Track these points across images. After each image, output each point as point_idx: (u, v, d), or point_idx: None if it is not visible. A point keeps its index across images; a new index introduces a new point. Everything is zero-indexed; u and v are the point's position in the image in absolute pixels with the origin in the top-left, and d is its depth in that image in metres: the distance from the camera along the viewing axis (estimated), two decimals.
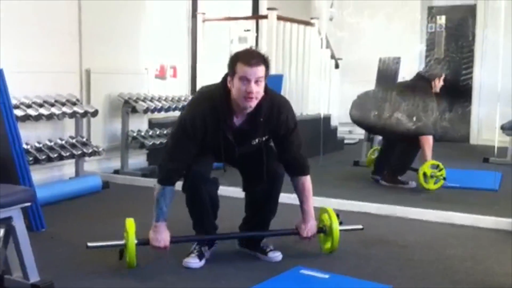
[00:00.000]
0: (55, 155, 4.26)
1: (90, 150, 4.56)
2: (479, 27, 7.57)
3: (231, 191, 3.65)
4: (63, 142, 4.45)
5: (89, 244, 2.70)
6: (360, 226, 3.12)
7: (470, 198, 4.45)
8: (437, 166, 4.56)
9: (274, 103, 2.68)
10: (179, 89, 6.26)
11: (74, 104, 4.61)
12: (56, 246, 3.14)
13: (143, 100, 5.15)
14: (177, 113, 5.10)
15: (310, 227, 2.84)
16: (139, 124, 5.33)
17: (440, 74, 4.91)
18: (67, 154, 4.36)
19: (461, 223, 3.67)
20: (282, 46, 6.35)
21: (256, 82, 2.49)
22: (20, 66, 4.23)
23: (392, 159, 4.87)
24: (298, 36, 6.65)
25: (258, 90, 2.51)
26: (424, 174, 4.54)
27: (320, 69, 6.89)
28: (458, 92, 7.52)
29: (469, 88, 7.64)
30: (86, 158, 4.68)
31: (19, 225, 2.38)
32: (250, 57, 2.53)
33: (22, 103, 4.24)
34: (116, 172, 5.07)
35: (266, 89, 2.61)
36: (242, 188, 2.96)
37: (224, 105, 2.60)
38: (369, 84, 5.72)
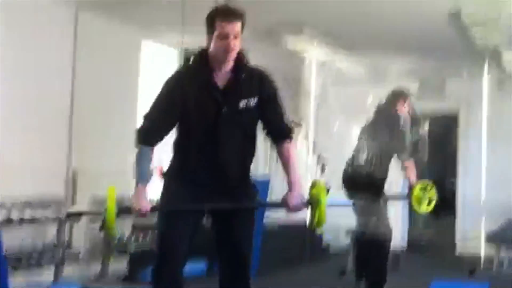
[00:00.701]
0: (34, 262, 4.12)
1: (71, 255, 4.42)
2: (461, 137, 7.73)
3: None
4: (44, 246, 4.31)
5: (69, 211, 2.57)
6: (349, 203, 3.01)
7: None
8: (426, 187, 4.40)
9: (254, 68, 2.68)
10: None
11: (58, 206, 4.50)
12: None
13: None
14: None
15: (295, 196, 2.67)
16: (122, 228, 5.19)
17: (403, 94, 4.76)
18: (47, 259, 4.21)
19: None
20: (269, 148, 6.37)
21: (235, 37, 2.52)
22: (4, 162, 4.16)
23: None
24: None
25: (236, 43, 2.53)
26: (417, 199, 4.36)
27: (306, 174, 6.91)
28: (442, 201, 7.54)
29: (453, 197, 7.69)
30: (66, 262, 4.52)
31: None
32: (228, 13, 2.55)
33: (3, 205, 4.14)
34: (97, 278, 4.88)
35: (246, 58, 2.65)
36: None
37: (203, 63, 2.60)
38: None
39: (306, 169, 6.88)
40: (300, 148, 6.90)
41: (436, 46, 6.00)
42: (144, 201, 2.51)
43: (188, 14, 4.76)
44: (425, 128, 8.14)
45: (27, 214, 4.24)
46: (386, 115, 4.71)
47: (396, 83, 5.28)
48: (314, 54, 6.21)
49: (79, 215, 2.63)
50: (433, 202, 4.47)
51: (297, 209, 2.70)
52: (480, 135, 7.07)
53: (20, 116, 4.54)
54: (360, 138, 4.91)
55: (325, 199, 2.68)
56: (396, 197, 5.23)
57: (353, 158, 4.76)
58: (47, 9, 4.85)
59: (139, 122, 2.62)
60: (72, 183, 4.92)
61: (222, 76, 2.60)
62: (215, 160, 2.58)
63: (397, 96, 4.74)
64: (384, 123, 4.67)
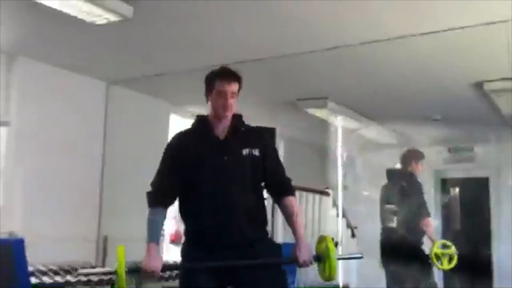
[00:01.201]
0: None
1: None
2: (493, 202, 7.62)
3: None
4: None
5: (80, 271, 2.59)
6: (359, 255, 2.97)
7: None
8: (445, 245, 4.52)
9: (252, 126, 2.82)
10: None
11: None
12: None
13: None
14: None
15: (304, 252, 2.65)
16: None
17: (418, 156, 4.84)
18: None
19: None
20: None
21: (232, 96, 2.66)
22: (39, 234, 4.30)
23: None
24: (314, 205, 6.75)
25: (232, 103, 2.67)
26: (436, 256, 4.48)
27: (336, 238, 6.88)
28: (478, 268, 7.40)
29: (489, 264, 7.51)
30: None
31: None
32: (227, 74, 2.71)
33: (37, 270, 4.24)
34: None
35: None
36: None
37: (203, 123, 2.74)
38: None
39: (336, 235, 6.85)
40: (330, 215, 6.92)
41: (462, 113, 6.07)
42: (154, 261, 2.52)
43: None
44: (456, 192, 8.08)
45: (59, 279, 4.31)
46: (399, 177, 4.79)
47: (425, 149, 5.31)
48: (340, 123, 6.32)
49: (87, 275, 2.70)
50: (455, 259, 4.48)
51: (307, 264, 2.68)
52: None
53: (55, 187, 4.75)
54: (381, 202, 4.96)
55: (334, 253, 2.68)
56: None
57: (384, 226, 4.80)
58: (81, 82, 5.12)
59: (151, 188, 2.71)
60: (103, 250, 5.04)
61: (222, 130, 2.72)
62: (226, 211, 2.58)
63: (410, 156, 4.84)
64: (399, 184, 4.76)
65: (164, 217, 2.68)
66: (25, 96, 4.60)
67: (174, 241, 6.27)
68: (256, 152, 2.69)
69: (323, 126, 6.25)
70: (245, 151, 2.68)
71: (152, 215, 2.64)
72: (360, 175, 7.86)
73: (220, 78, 2.70)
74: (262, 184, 2.76)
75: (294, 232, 2.71)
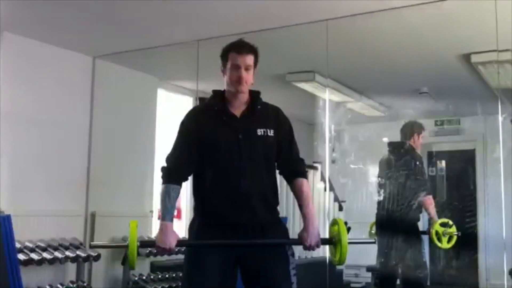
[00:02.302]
0: None
1: None
2: (479, 175, 7.69)
3: None
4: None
5: (92, 243, 2.60)
6: (372, 240, 3.00)
7: None
8: (447, 223, 4.54)
9: (269, 103, 2.75)
10: (183, 230, 6.25)
11: (77, 248, 4.60)
12: None
13: None
14: (180, 256, 5.06)
15: (311, 235, 2.64)
16: (141, 268, 5.27)
17: (418, 126, 4.75)
18: None
19: None
20: (286, 188, 6.44)
21: (246, 69, 2.61)
22: (26, 210, 4.30)
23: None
24: None
25: (247, 76, 2.62)
26: (437, 233, 4.50)
27: (324, 212, 6.93)
28: (464, 240, 7.49)
29: (474, 236, 7.61)
30: None
31: None
32: (241, 46, 2.65)
33: (25, 247, 4.25)
34: None
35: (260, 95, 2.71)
36: None
37: (219, 98, 2.68)
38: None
39: (323, 209, 6.90)
40: (318, 189, 6.95)
41: (450, 85, 6.08)
42: (169, 237, 2.51)
43: (202, 65, 4.93)
44: (442, 165, 8.12)
45: (47, 255, 4.33)
46: (403, 151, 4.70)
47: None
48: (327, 96, 6.32)
49: (102, 247, 2.69)
50: (454, 238, 4.50)
51: (313, 248, 2.67)
52: (499, 172, 7.04)
53: (45, 171, 4.73)
54: (378, 177, 4.92)
55: (346, 238, 2.66)
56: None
57: (382, 201, 4.79)
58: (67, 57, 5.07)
59: (159, 164, 2.67)
60: (91, 226, 5.04)
61: (238, 107, 2.66)
62: (238, 191, 2.56)
63: (412, 128, 4.74)
64: (401, 159, 4.68)
65: (178, 194, 2.63)
66: (9, 72, 4.54)
67: (176, 218, 6.29)
68: (271, 132, 2.65)
69: (311, 100, 6.24)
70: (260, 131, 2.64)
71: (167, 191, 2.59)
72: (348, 148, 7.90)
73: (234, 50, 2.64)
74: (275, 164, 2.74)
75: (305, 214, 2.67)
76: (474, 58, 5.00)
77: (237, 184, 2.56)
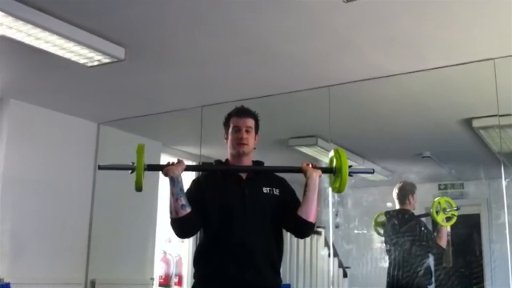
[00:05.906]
0: None
1: None
2: (485, 240, 7.59)
3: None
4: None
5: (100, 164, 2.76)
6: (371, 170, 3.05)
7: None
8: (451, 205, 4.41)
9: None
10: None
11: None
12: None
13: None
14: None
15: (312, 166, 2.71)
16: None
17: (413, 189, 4.72)
18: None
19: None
20: (289, 254, 6.36)
21: (247, 131, 2.70)
22: (26, 278, 4.24)
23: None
24: (305, 245, 6.70)
25: (248, 137, 2.70)
26: (439, 204, 4.38)
27: (328, 279, 6.81)
28: None
29: None
30: None
31: None
32: (241, 111, 2.77)
33: None
34: None
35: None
36: None
37: (224, 163, 2.75)
38: None
39: (328, 276, 6.78)
40: (322, 255, 6.85)
41: (452, 150, 6.10)
42: (179, 168, 2.66)
43: (205, 130, 4.96)
44: (448, 229, 8.02)
45: None
46: (404, 217, 4.66)
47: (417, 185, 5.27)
48: None
49: (110, 169, 2.82)
50: (454, 220, 4.47)
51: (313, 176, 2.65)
52: (505, 237, 6.95)
53: (43, 229, 4.71)
54: (385, 242, 4.85)
55: (347, 167, 2.68)
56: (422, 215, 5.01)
57: (389, 268, 4.70)
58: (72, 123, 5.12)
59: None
60: None
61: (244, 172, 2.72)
62: (242, 247, 2.54)
63: (405, 191, 4.73)
64: (406, 225, 4.63)
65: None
66: (14, 137, 4.58)
67: (164, 284, 6.17)
68: (276, 191, 2.69)
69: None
70: (265, 189, 2.68)
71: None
72: (351, 213, 7.84)
73: (235, 115, 2.77)
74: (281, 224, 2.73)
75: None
76: (476, 123, 5.04)
77: (241, 243, 2.55)
